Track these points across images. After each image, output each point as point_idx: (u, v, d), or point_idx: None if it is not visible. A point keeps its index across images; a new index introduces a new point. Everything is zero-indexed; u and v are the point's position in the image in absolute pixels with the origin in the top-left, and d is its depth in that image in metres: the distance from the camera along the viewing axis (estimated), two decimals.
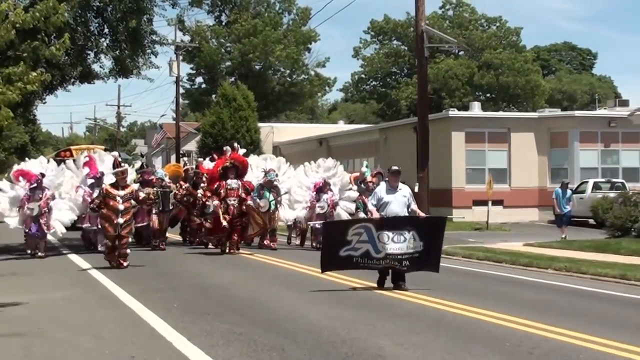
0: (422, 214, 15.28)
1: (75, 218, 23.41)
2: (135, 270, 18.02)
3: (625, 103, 54.04)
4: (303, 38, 71.94)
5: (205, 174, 25.00)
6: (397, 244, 14.20)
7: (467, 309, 12.23)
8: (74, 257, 21.98)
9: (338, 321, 11.18)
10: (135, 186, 21.07)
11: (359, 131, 54.41)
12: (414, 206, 15.09)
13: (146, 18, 31.28)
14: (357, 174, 25.48)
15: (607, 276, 17.30)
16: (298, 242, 26.18)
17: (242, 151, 25.51)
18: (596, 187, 36.10)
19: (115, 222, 18.53)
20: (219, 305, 12.79)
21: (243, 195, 22.71)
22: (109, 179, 21.26)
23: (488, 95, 76.34)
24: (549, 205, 37.00)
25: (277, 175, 24.69)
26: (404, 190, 15.07)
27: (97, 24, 30.98)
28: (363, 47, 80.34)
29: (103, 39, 31.25)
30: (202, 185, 24.83)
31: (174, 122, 59.27)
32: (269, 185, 23.96)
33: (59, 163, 25.35)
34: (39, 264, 20.59)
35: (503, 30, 77.36)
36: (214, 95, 63.44)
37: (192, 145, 62.87)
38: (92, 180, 23.01)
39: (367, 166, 25.77)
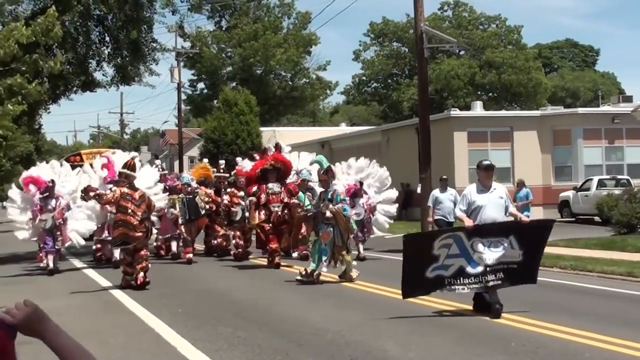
0: (524, 218, 12.59)
1: (95, 228, 21.32)
2: None
3: (629, 99, 53.73)
4: (303, 41, 72.12)
5: (239, 177, 22.49)
6: (495, 252, 11.69)
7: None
8: (81, 267, 21.77)
9: (341, 323, 11.14)
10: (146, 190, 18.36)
11: (361, 133, 54.34)
12: (512, 209, 12.42)
13: (146, 26, 31.49)
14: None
15: (613, 274, 17.20)
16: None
17: (287, 149, 22.92)
18: (601, 184, 35.97)
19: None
20: (222, 310, 12.78)
21: (286, 199, 19.87)
22: (139, 183, 17.55)
23: (490, 94, 76.25)
24: (554, 204, 37.07)
25: (310, 174, 20.83)
26: (499, 190, 12.26)
27: (98, 33, 31.26)
28: (363, 49, 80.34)
29: (104, 48, 31.51)
30: (228, 190, 22.87)
31: (177, 128, 59.30)
32: (303, 186, 20.06)
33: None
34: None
35: (503, 29, 77.32)
36: (215, 101, 63.52)
37: (195, 151, 63.08)
38: (112, 185, 19.15)
39: (319, 160, 18.45)
